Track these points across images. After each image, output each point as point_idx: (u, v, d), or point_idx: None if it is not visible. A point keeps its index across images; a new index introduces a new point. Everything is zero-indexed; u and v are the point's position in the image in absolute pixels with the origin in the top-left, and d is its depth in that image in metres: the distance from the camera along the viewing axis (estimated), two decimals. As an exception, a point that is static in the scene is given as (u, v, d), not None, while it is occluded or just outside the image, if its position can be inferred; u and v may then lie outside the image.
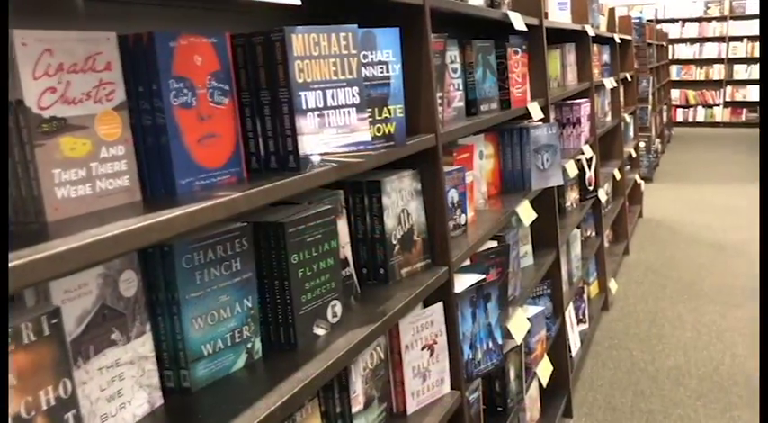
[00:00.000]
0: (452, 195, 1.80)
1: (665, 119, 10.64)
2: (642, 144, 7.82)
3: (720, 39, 13.22)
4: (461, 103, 2.03)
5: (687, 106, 13.64)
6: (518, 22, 2.19)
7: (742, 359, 3.35)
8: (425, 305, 1.62)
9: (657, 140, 9.06)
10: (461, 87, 2.03)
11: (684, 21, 13.50)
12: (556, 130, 2.49)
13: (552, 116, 3.40)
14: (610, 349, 3.54)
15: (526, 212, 2.20)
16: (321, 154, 1.09)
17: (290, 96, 1.05)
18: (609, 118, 4.90)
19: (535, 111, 2.43)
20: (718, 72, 13.31)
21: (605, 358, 3.44)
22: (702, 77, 13.48)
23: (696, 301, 4.15)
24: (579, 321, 3.45)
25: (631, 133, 6.17)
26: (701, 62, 13.50)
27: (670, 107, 11.84)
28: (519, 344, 2.09)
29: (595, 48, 4.30)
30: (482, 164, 2.29)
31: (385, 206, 1.47)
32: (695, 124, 13.51)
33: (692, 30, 13.47)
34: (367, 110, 1.26)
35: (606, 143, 5.07)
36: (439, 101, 1.71)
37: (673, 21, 13.58)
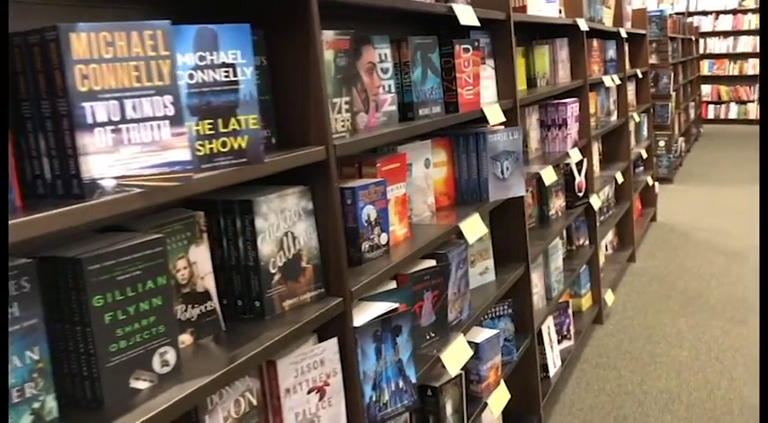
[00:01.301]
0: (368, 212, 1.60)
1: (692, 116, 10.23)
2: (662, 143, 7.49)
3: (756, 32, 12.68)
4: (393, 107, 1.82)
5: (719, 102, 13.12)
6: (466, 16, 1.97)
7: (740, 383, 3.07)
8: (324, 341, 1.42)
9: (681, 139, 8.69)
10: (394, 89, 1.82)
11: (718, 13, 12.98)
12: (518, 136, 2.26)
13: (535, 117, 3.16)
14: (597, 368, 3.29)
15: (473, 228, 1.98)
16: (118, 177, 0.90)
17: (69, 108, 0.86)
18: (614, 117, 4.62)
19: (493, 114, 2.20)
20: (752, 67, 12.77)
21: (590, 378, 3.19)
22: (736, 72, 12.96)
23: (699, 316, 3.87)
24: (563, 338, 3.21)
25: (645, 132, 5.87)
26: (734, 56, 12.97)
27: (699, 104, 11.40)
28: (455, 376, 1.88)
29: (595, 43, 4.03)
30: (429, 173, 2.08)
31: (260, 229, 1.27)
32: (727, 121, 13.00)
33: (725, 23, 12.95)
34: (207, 121, 1.07)
35: (611, 143, 4.79)
36: (346, 106, 1.51)
37: (705, 13, 13.07)
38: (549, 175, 2.75)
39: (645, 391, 3.06)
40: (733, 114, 12.99)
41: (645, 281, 4.50)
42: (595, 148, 4.12)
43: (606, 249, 4.68)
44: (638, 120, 5.00)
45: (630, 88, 5.18)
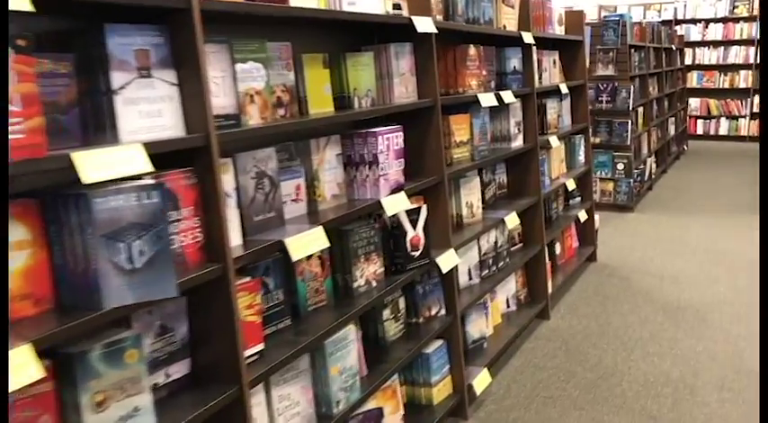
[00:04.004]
0: None
1: (671, 132, 9.28)
2: (620, 166, 6.57)
3: (748, 42, 11.71)
4: None
5: (709, 117, 12.14)
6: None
7: None
8: None
9: (651, 160, 7.74)
10: None
11: (708, 21, 12.02)
12: (159, 198, 1.36)
13: (334, 152, 2.27)
14: (426, 499, 2.38)
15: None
16: None
17: None
18: (518, 143, 3.72)
19: (110, 162, 1.30)
20: (744, 79, 11.79)
21: None
22: (727, 85, 11.98)
23: (600, 408, 2.94)
24: (374, 459, 2.31)
25: (581, 157, 4.95)
26: (725, 68, 11.99)
27: (682, 119, 10.43)
28: None
29: (473, 50, 3.13)
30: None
31: None
32: (717, 138, 12.01)
33: (716, 32, 11.98)
34: None
35: (518, 175, 3.88)
36: None
37: (694, 21, 12.11)
38: (306, 244, 1.84)
39: None
40: (723, 130, 12.01)
41: (550, 350, 3.58)
42: (472, 186, 3.21)
43: (508, 306, 3.77)
44: (555, 144, 4.08)
45: (553, 106, 4.27)
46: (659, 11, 12.36)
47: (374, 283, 2.34)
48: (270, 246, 1.75)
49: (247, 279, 1.75)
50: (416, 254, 2.51)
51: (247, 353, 1.72)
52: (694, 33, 12.09)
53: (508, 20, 3.63)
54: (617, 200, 6.63)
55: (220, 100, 1.70)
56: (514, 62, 3.66)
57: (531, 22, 3.84)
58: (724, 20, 11.86)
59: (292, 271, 2.07)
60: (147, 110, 1.50)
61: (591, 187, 5.04)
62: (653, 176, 7.85)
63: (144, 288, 1.35)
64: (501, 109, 3.62)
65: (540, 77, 4.22)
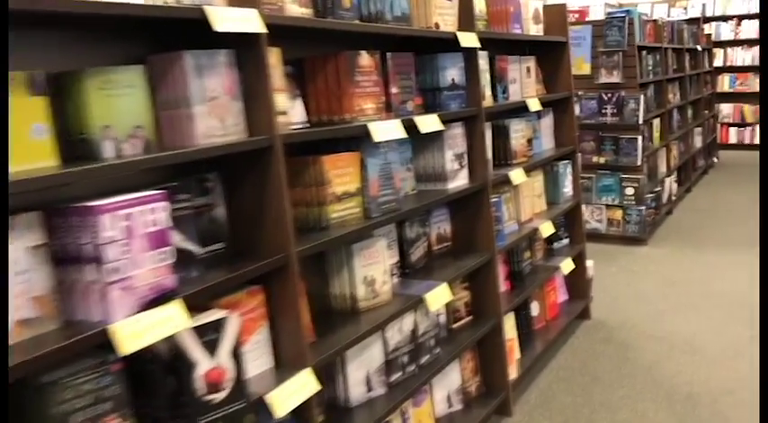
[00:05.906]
0: None
1: (697, 145, 8.13)
2: (629, 191, 5.50)
3: (787, 40, 10.46)
4: None
5: (743, 125, 10.90)
6: None
7: None
8: None
9: (670, 179, 6.63)
10: None
11: (740, 18, 10.80)
12: None
13: (21, 244, 1.31)
14: None
15: None
16: None
17: None
18: (461, 181, 2.72)
19: None
20: (783, 82, 10.54)
21: None
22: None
23: None
24: None
25: (567, 188, 3.91)
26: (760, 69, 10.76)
27: (711, 128, 9.26)
28: None
29: (367, 59, 2.15)
30: None
31: None
32: (752, 147, 10.76)
33: (750, 29, 10.76)
34: None
35: (463, 223, 2.87)
36: None
37: (725, 18, 10.90)
38: None
39: None
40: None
41: (500, 473, 2.56)
42: (373, 253, 2.21)
43: (449, 405, 2.77)
44: (519, 180, 3.05)
45: (518, 128, 3.26)
46: (685, 8, 11.18)
47: (119, 463, 1.38)
48: None
49: None
50: (218, 396, 1.54)
51: None
52: (726, 31, 10.88)
53: (443, 16, 2.64)
54: (626, 231, 5.55)
55: None
56: (453, 73, 2.67)
57: (489, 19, 2.84)
58: (758, 16, 10.63)
59: None
60: None
61: (581, 225, 4.00)
62: (673, 199, 6.74)
63: None
64: (433, 137, 2.63)
65: (503, 91, 3.22)
